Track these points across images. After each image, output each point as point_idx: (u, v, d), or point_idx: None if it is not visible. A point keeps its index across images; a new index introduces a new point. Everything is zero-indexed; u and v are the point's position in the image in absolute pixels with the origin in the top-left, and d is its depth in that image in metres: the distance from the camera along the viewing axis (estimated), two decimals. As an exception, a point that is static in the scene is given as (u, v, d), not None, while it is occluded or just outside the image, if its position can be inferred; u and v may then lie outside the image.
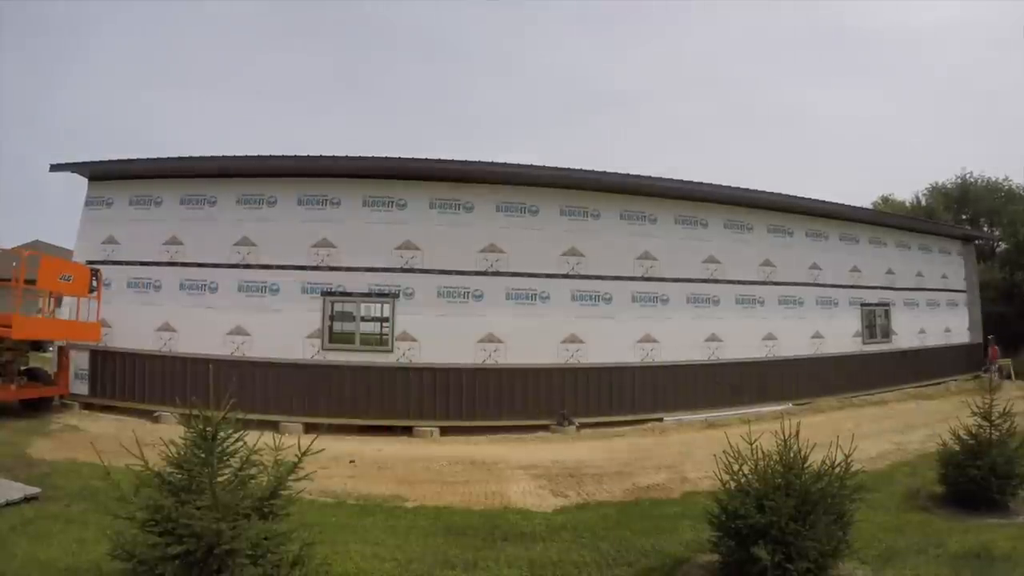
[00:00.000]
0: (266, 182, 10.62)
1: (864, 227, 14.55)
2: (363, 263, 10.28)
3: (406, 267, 10.34)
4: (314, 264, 10.31)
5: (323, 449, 3.24)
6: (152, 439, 3.09)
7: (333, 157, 10.19)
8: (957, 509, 5.32)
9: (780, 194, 12.45)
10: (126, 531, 2.83)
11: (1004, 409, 5.52)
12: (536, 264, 10.68)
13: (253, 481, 3.05)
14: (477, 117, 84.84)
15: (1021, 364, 16.52)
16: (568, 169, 10.64)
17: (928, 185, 28.34)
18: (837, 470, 3.59)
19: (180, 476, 2.92)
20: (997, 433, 5.38)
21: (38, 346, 12.62)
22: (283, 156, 10.34)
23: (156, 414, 9.44)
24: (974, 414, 5.56)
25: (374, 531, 4.73)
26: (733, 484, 3.70)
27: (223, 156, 10.33)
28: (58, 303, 10.28)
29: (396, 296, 10.25)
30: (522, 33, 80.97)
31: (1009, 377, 15.66)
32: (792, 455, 3.63)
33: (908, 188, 50.61)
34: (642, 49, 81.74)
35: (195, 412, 3.02)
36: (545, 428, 10.01)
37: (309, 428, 8.89)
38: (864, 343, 13.91)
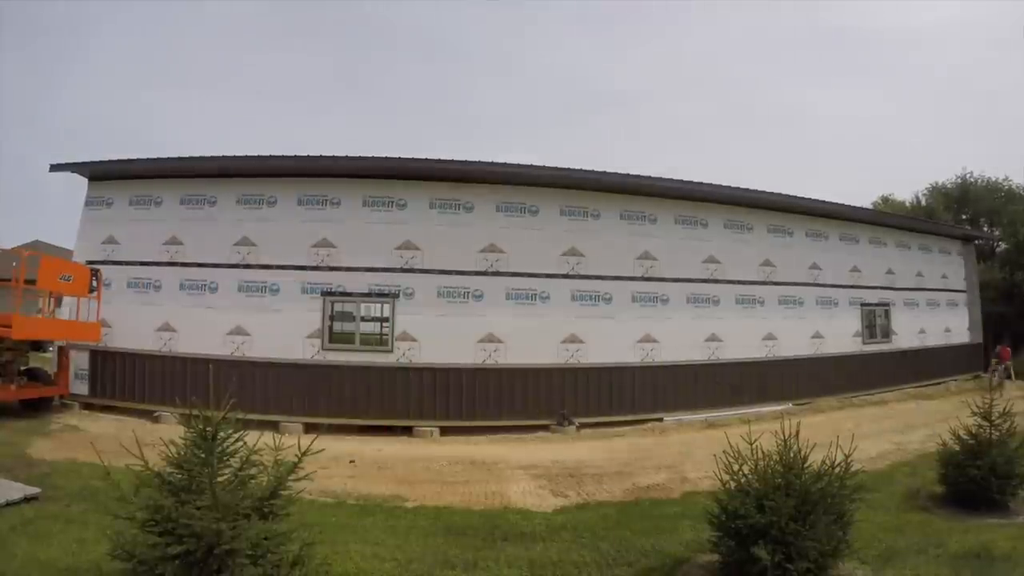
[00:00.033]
0: (266, 182, 10.62)
1: (864, 227, 14.54)
2: (363, 263, 10.28)
3: (406, 267, 10.34)
4: (314, 264, 10.31)
5: (323, 449, 3.24)
6: (152, 439, 3.09)
7: (333, 157, 10.19)
8: (957, 509, 5.33)
9: (780, 194, 12.45)
10: (126, 531, 2.83)
11: (1004, 409, 5.52)
12: (536, 264, 10.68)
13: (253, 481, 3.05)
14: (477, 117, 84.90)
15: (1021, 364, 16.51)
16: (568, 169, 10.64)
17: (928, 185, 28.37)
18: (837, 470, 3.60)
19: (180, 476, 2.92)
20: (997, 433, 5.38)
21: (38, 346, 12.62)
22: (283, 156, 10.33)
23: (156, 414, 9.44)
24: (974, 414, 5.57)
25: (374, 531, 4.73)
26: (733, 484, 3.70)
27: (223, 156, 10.33)
28: (58, 303, 10.28)
29: (396, 296, 10.25)
30: (522, 33, 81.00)
31: (1009, 377, 15.65)
32: (792, 455, 3.63)
33: (908, 188, 50.64)
34: (642, 49, 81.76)
35: (195, 412, 3.02)
36: (545, 428, 10.01)
37: (309, 428, 8.89)
38: (864, 343, 13.91)
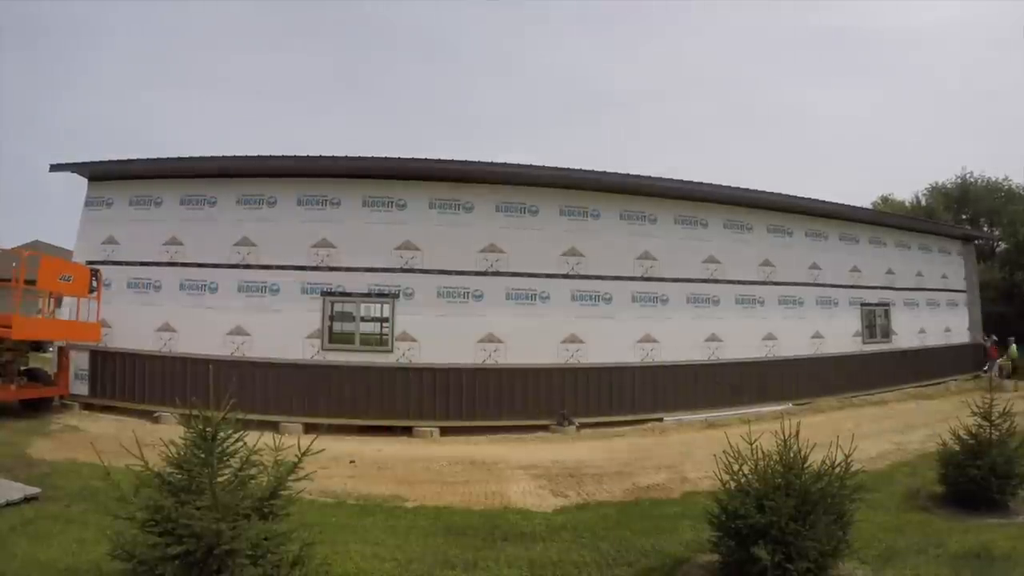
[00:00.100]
0: (266, 182, 10.62)
1: (864, 227, 14.55)
2: (363, 263, 10.28)
3: (406, 267, 10.34)
4: (314, 264, 10.31)
5: (323, 449, 3.24)
6: (152, 439, 3.09)
7: (333, 157, 10.19)
8: (957, 509, 5.32)
9: (780, 194, 12.46)
10: (126, 531, 2.83)
11: (1004, 409, 5.52)
12: (536, 264, 10.68)
13: (253, 481, 3.04)
14: (477, 117, 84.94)
15: (1021, 364, 16.51)
16: (568, 169, 10.64)
17: (928, 185, 28.43)
18: (837, 470, 3.59)
19: (180, 476, 2.92)
20: (997, 433, 5.38)
21: (38, 346, 12.62)
22: (283, 156, 10.34)
23: (156, 414, 9.44)
24: (974, 414, 5.56)
25: (374, 531, 4.73)
26: (733, 484, 3.69)
27: (223, 156, 10.33)
28: (58, 303, 10.27)
29: (396, 296, 10.25)
30: (522, 33, 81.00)
31: (1009, 377, 15.66)
32: (792, 455, 3.63)
33: (908, 188, 50.72)
34: (642, 49, 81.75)
35: (195, 412, 3.02)
36: (545, 428, 10.01)
37: (309, 428, 8.89)
38: (864, 343, 13.91)
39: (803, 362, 12.56)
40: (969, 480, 5.27)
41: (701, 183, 11.50)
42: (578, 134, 79.02)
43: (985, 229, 24.04)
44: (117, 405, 10.05)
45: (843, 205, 13.72)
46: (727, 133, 73.92)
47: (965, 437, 5.48)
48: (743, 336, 11.93)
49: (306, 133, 78.97)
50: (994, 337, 16.58)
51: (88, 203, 11.09)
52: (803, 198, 12.91)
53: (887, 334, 14.46)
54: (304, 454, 3.18)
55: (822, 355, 12.93)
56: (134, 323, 10.31)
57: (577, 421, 10.06)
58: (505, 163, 10.52)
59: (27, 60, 68.85)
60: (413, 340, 10.15)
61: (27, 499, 4.96)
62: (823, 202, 13.30)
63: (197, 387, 3.19)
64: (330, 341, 10.17)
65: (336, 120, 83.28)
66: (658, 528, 4.83)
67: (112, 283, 10.48)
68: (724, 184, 11.76)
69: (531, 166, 10.58)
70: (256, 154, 10.29)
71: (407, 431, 9.63)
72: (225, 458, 2.98)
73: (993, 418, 5.45)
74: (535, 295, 10.62)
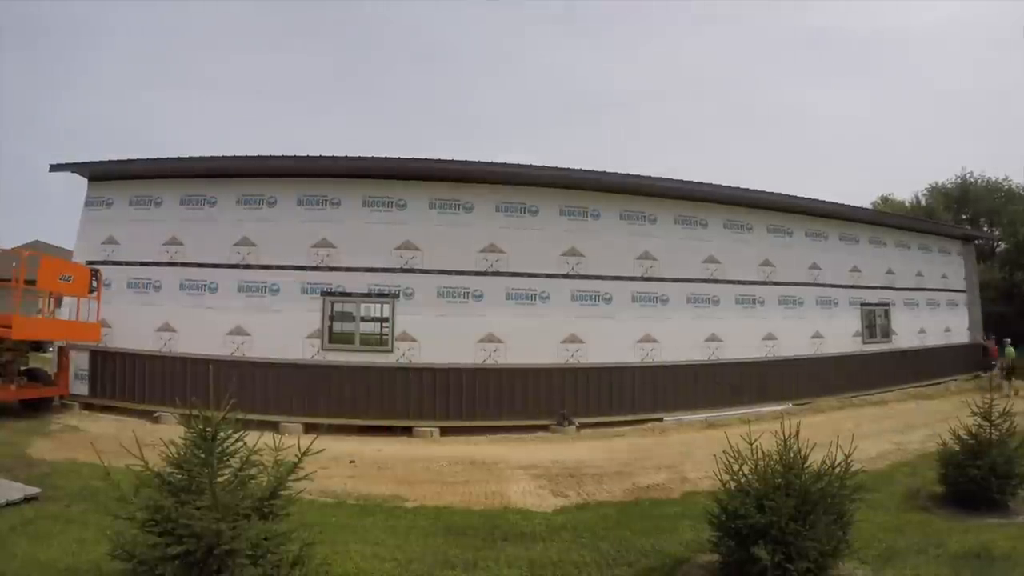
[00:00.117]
0: (266, 182, 10.62)
1: (864, 227, 14.55)
2: (363, 263, 10.28)
3: (406, 267, 10.34)
4: (314, 264, 10.31)
5: (323, 449, 3.24)
6: (152, 439, 3.09)
7: (333, 157, 10.19)
8: (957, 509, 5.33)
9: (780, 194, 12.46)
10: (126, 531, 2.83)
11: (1004, 409, 5.52)
12: (536, 264, 10.68)
13: (253, 481, 3.04)
14: (477, 117, 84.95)
15: (1021, 364, 16.50)
16: (568, 169, 10.64)
17: (928, 185, 28.47)
18: (837, 470, 3.59)
19: (180, 476, 2.92)
20: (997, 433, 5.38)
21: (38, 346, 12.61)
22: (283, 156, 10.34)
23: (156, 414, 9.44)
24: (974, 414, 5.56)
25: (374, 531, 4.73)
26: (733, 484, 3.69)
27: (223, 156, 10.33)
28: (58, 303, 10.27)
29: (396, 296, 10.25)
30: (522, 33, 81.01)
31: (1007, 378, 15.64)
32: (792, 455, 3.63)
33: (908, 188, 50.75)
34: (642, 49, 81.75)
35: (195, 412, 3.02)
36: (545, 428, 10.01)
37: (309, 428, 8.89)
38: (864, 343, 13.91)
39: (803, 362, 12.56)
40: (969, 480, 5.27)
41: (701, 183, 11.50)
42: (578, 134, 79.09)
43: (985, 229, 24.05)
44: (117, 405, 10.05)
45: (843, 205, 13.72)
46: (727, 133, 73.99)
47: (965, 437, 5.49)
48: (743, 336, 11.93)
49: (306, 133, 79.07)
50: (994, 336, 16.59)
51: (88, 203, 11.09)
52: (803, 198, 12.91)
53: (887, 334, 14.46)
54: (304, 454, 3.18)
55: (822, 355, 12.93)
56: (134, 323, 10.31)
57: (577, 421, 10.06)
58: (505, 163, 10.52)
59: (27, 60, 68.90)
60: (413, 340, 10.15)
61: (27, 499, 4.96)
62: (823, 202, 13.30)
63: (197, 387, 3.20)
64: (330, 341, 10.17)
65: (336, 120, 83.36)
66: (658, 528, 4.83)
67: (112, 283, 10.48)
68: (724, 184, 11.77)
69: (531, 166, 10.58)
70: (256, 154, 10.29)
71: (407, 431, 9.63)
72: (225, 458, 2.98)
73: (993, 418, 5.45)
74: (535, 295, 10.62)
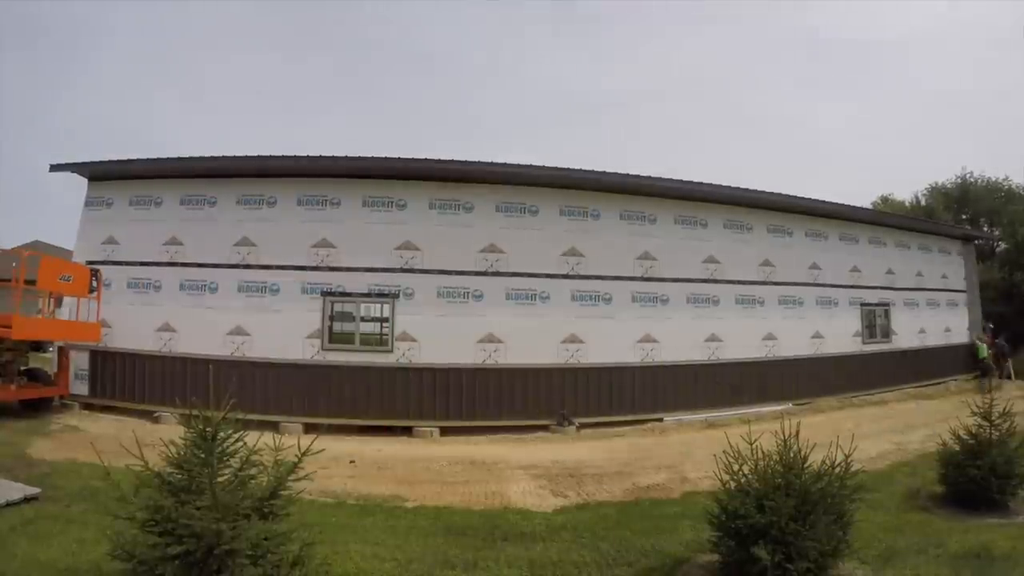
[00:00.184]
0: (266, 182, 10.62)
1: (864, 227, 14.54)
2: (363, 263, 10.28)
3: (406, 267, 10.34)
4: (314, 264, 10.31)
5: (323, 449, 3.24)
6: (152, 439, 3.09)
7: (333, 157, 10.19)
8: (957, 509, 5.33)
9: (780, 194, 12.45)
10: (126, 531, 2.83)
11: (1004, 409, 5.52)
12: (536, 264, 10.67)
13: (253, 481, 3.05)
14: (477, 117, 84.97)
15: (1021, 364, 16.52)
16: (568, 169, 10.64)
17: (928, 185, 28.39)
18: (837, 470, 3.59)
19: (180, 476, 2.92)
20: (997, 433, 5.38)
21: (38, 346, 12.62)
22: (283, 156, 10.33)
23: (156, 414, 9.44)
24: (974, 414, 5.57)
25: (374, 531, 4.73)
26: (733, 484, 3.69)
27: (223, 156, 10.32)
28: (58, 303, 10.26)
29: (396, 296, 10.25)
30: (522, 33, 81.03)
31: (1009, 377, 15.66)
32: (792, 455, 3.63)
33: (908, 188, 50.66)
34: (642, 49, 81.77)
35: (195, 412, 3.02)
36: (545, 428, 10.01)
37: (309, 428, 8.90)
38: (864, 343, 13.91)
39: (803, 362, 12.56)
40: (969, 480, 5.27)
41: (701, 183, 11.50)
42: (578, 134, 79.13)
43: (985, 229, 24.02)
44: (117, 405, 10.05)
45: (843, 205, 13.71)
46: (727, 133, 74.01)
47: (965, 437, 5.49)
48: (743, 336, 11.93)
49: (306, 133, 79.08)
50: (992, 329, 16.60)
51: (88, 203, 11.09)
52: (803, 198, 12.90)
53: (887, 334, 14.45)
54: (304, 454, 3.18)
55: (822, 355, 12.92)
56: (134, 323, 10.31)
57: (577, 421, 10.06)
58: (505, 163, 10.51)
59: (27, 60, 68.90)
60: (413, 340, 10.15)
61: (27, 499, 4.96)
62: (823, 202, 13.29)
63: (197, 387, 3.20)
64: (330, 341, 10.16)
65: (336, 120, 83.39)
66: (658, 528, 4.83)
67: (112, 283, 10.48)
68: (724, 184, 11.76)
69: (531, 166, 10.58)
70: (256, 154, 10.28)
71: (407, 431, 9.63)
72: (225, 458, 2.99)
73: (993, 418, 5.45)
74: (535, 295, 10.62)
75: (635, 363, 10.92)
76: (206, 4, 69.17)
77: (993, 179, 26.26)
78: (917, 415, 11.15)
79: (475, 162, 10.46)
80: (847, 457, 3.61)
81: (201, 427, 2.98)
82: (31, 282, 9.25)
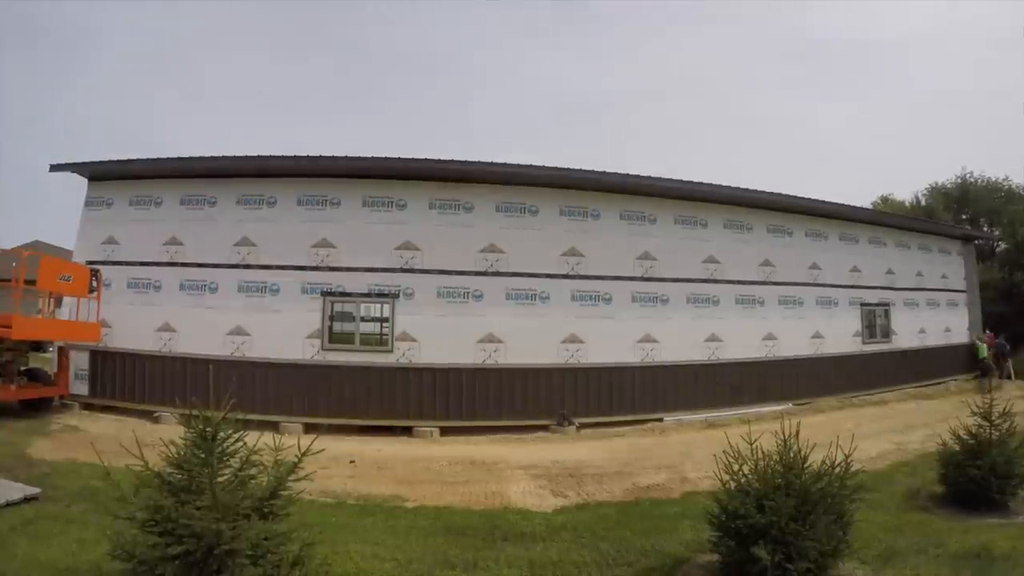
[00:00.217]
0: (266, 182, 10.62)
1: (864, 227, 14.54)
2: (363, 263, 10.27)
3: (406, 267, 10.34)
4: (314, 264, 10.31)
5: (323, 449, 3.24)
6: (152, 439, 3.09)
7: (333, 157, 10.19)
8: (957, 509, 5.33)
9: (780, 194, 12.45)
10: (126, 531, 2.83)
11: (1004, 409, 5.52)
12: (536, 264, 10.67)
13: (253, 481, 3.05)
14: (477, 117, 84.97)
15: (1021, 364, 16.52)
16: (568, 169, 10.64)
17: (928, 185, 28.39)
18: (837, 470, 3.59)
19: (180, 476, 2.92)
20: (997, 433, 5.38)
21: (38, 346, 12.62)
22: (283, 156, 10.33)
23: (156, 414, 9.44)
24: (974, 414, 5.56)
25: (374, 531, 4.73)
26: (733, 484, 3.69)
27: (223, 156, 10.32)
28: (58, 303, 10.27)
29: (396, 296, 10.25)
30: (522, 33, 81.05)
31: (1009, 377, 15.67)
32: (792, 455, 3.63)
33: (908, 188, 50.69)
34: (642, 49, 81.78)
35: (195, 412, 3.02)
36: (545, 428, 10.01)
37: (309, 428, 8.90)
38: (864, 343, 13.90)
39: (803, 362, 12.56)
40: (969, 480, 5.27)
41: (701, 183, 11.50)
42: (578, 134, 79.13)
43: (985, 229, 24.02)
44: (117, 405, 10.05)
45: (843, 205, 13.71)
46: (727, 133, 74.00)
47: (965, 437, 5.49)
48: (743, 336, 11.93)
49: (306, 133, 79.09)
50: (989, 332, 16.61)
51: (88, 203, 11.08)
52: (803, 198, 12.90)
53: (887, 334, 14.45)
54: (304, 454, 3.18)
55: (822, 355, 12.92)
56: (134, 323, 10.31)
57: (577, 421, 10.06)
58: (505, 163, 10.51)
59: (27, 60, 68.90)
60: (413, 340, 10.15)
61: (27, 499, 4.96)
62: (823, 202, 13.29)
63: (197, 387, 3.20)
64: (330, 341, 10.16)
65: (336, 120, 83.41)
66: (658, 528, 4.83)
67: (112, 283, 10.48)
68: (724, 184, 11.76)
69: (531, 166, 10.57)
70: (256, 154, 10.28)
71: (407, 431, 9.63)
72: (225, 458, 2.99)
73: (993, 418, 5.45)
74: (535, 295, 10.62)
75: (635, 363, 10.92)
76: (206, 4, 69.22)
77: (993, 179, 26.29)
78: (917, 415, 11.15)
79: (475, 162, 10.46)
80: (847, 457, 3.61)
81: (201, 427, 2.98)
82: (31, 282, 9.25)
